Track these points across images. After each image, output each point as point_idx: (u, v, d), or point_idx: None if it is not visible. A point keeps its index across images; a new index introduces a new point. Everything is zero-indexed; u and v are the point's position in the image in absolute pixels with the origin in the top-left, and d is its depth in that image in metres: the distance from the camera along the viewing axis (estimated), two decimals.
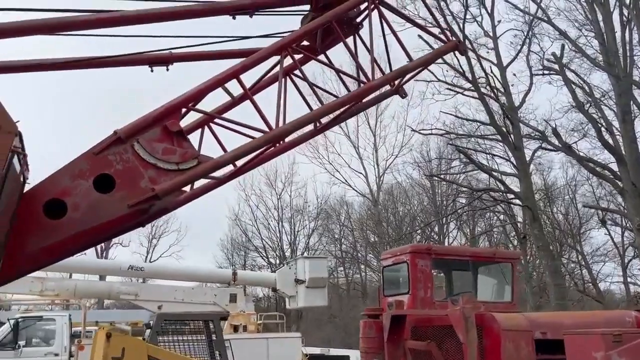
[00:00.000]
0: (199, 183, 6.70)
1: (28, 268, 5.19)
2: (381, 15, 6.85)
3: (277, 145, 6.89)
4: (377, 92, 7.95)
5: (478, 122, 27.39)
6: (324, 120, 7.29)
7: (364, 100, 7.63)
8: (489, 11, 25.87)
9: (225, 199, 65.70)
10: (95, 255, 46.93)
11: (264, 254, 49.19)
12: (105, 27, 5.90)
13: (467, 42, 24.47)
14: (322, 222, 49.28)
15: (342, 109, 7.21)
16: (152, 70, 6.74)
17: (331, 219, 49.12)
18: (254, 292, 42.40)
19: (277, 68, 6.72)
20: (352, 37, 7.29)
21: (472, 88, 25.24)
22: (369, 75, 6.90)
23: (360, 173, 44.31)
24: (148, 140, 5.20)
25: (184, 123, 6.33)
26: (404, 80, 7.24)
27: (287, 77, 6.97)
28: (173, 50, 6.70)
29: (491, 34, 26.24)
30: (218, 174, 6.33)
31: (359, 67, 6.59)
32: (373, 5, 6.78)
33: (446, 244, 41.38)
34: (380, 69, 7.42)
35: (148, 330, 10.28)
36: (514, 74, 26.17)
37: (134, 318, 17.42)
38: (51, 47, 6.00)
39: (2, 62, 5.73)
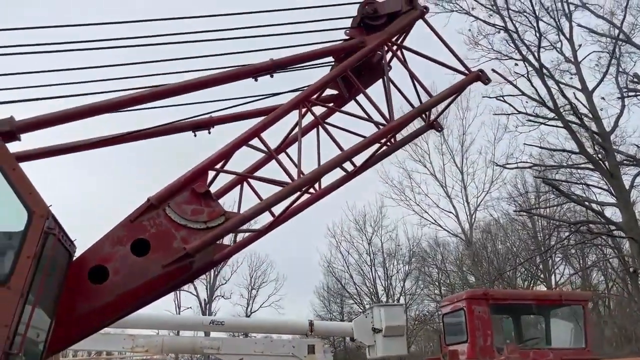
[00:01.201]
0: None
1: (84, 330, 5.81)
2: (399, 60, 7.12)
3: (314, 191, 7.27)
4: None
5: (567, 151, 25.86)
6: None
7: (398, 138, 7.86)
8: (568, 37, 24.93)
9: (316, 246, 66.82)
10: (200, 309, 49.27)
11: (359, 300, 48.85)
12: (159, 99, 6.65)
13: (544, 70, 23.66)
14: (417, 264, 48.29)
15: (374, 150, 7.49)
16: (195, 135, 7.38)
17: (426, 262, 47.98)
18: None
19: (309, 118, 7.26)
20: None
21: (556, 117, 24.12)
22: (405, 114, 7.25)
23: (450, 212, 43.08)
24: (178, 204, 5.75)
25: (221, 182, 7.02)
26: (429, 114, 7.39)
27: (319, 125, 7.43)
28: (212, 114, 7.30)
29: (572, 59, 25.17)
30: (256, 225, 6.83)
31: (377, 109, 6.84)
32: (391, 53, 7.09)
33: (553, 280, 38.72)
34: (412, 105, 7.68)
35: None
36: (603, 98, 24.74)
37: None
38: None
39: (58, 145, 6.62)
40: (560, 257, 37.15)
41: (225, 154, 6.14)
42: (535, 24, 23.89)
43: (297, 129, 7.04)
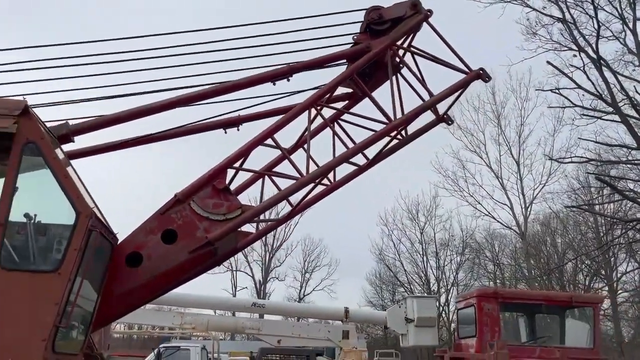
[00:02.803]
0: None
1: (125, 307, 6.94)
2: (403, 62, 7.87)
3: (329, 184, 8.12)
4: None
5: (624, 146, 25.22)
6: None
7: (409, 133, 8.57)
8: (631, 27, 24.10)
9: (368, 234, 68.14)
10: (255, 290, 52.00)
11: (409, 288, 49.53)
12: (194, 102, 7.70)
13: (602, 62, 23.12)
14: (471, 255, 48.28)
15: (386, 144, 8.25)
16: (225, 132, 8.34)
17: (482, 253, 47.87)
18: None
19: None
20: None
21: (614, 111, 23.56)
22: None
23: (505, 204, 42.47)
24: (201, 198, 6.74)
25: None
26: (436, 109, 8.08)
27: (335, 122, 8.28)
28: (240, 113, 8.23)
29: (635, 50, 24.32)
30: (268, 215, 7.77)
31: (380, 109, 7.58)
32: (398, 59, 7.81)
33: (613, 276, 37.86)
34: (423, 100, 8.38)
35: None
36: None
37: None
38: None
39: (102, 144, 7.71)
40: (624, 253, 36.17)
41: (243, 154, 7.07)
42: (594, 14, 22.78)
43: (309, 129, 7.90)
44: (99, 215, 5.90)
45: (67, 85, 7.38)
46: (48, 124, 6.37)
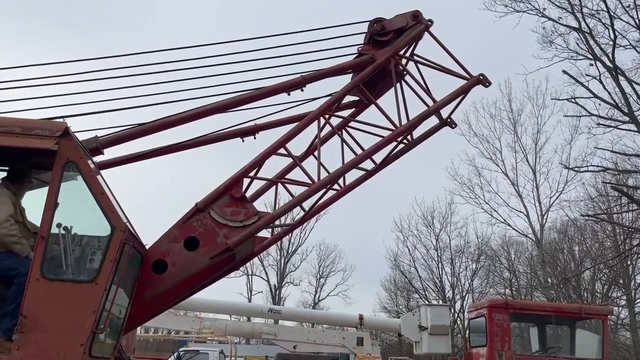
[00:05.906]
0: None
1: (151, 311, 7.66)
2: (407, 71, 8.53)
3: (339, 188, 8.81)
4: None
5: None
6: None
7: (415, 137, 9.24)
8: None
9: (383, 240, 68.93)
10: (270, 294, 53.27)
11: (424, 295, 50.21)
12: (216, 113, 8.27)
13: (618, 71, 23.47)
14: (486, 262, 48.76)
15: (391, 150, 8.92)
16: (243, 141, 9.00)
17: (498, 260, 48.30)
18: None
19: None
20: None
21: (630, 120, 23.96)
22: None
23: (521, 212, 42.78)
24: (220, 207, 7.44)
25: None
26: (439, 114, 8.75)
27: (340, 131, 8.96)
28: (257, 122, 8.86)
29: None
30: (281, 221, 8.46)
31: (386, 116, 8.26)
32: (402, 69, 8.50)
33: (631, 285, 38.07)
34: (427, 106, 9.06)
35: None
36: None
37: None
38: None
39: (127, 155, 8.37)
40: None
41: (257, 164, 7.76)
42: (610, 23, 23.19)
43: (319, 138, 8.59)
44: (130, 228, 6.60)
45: (89, 99, 8.02)
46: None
